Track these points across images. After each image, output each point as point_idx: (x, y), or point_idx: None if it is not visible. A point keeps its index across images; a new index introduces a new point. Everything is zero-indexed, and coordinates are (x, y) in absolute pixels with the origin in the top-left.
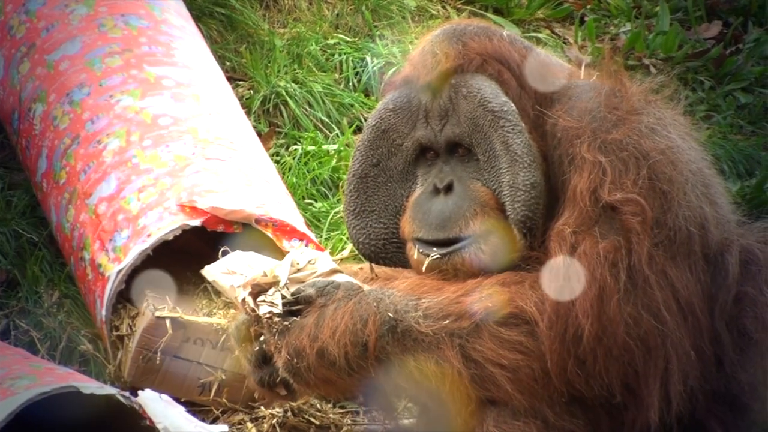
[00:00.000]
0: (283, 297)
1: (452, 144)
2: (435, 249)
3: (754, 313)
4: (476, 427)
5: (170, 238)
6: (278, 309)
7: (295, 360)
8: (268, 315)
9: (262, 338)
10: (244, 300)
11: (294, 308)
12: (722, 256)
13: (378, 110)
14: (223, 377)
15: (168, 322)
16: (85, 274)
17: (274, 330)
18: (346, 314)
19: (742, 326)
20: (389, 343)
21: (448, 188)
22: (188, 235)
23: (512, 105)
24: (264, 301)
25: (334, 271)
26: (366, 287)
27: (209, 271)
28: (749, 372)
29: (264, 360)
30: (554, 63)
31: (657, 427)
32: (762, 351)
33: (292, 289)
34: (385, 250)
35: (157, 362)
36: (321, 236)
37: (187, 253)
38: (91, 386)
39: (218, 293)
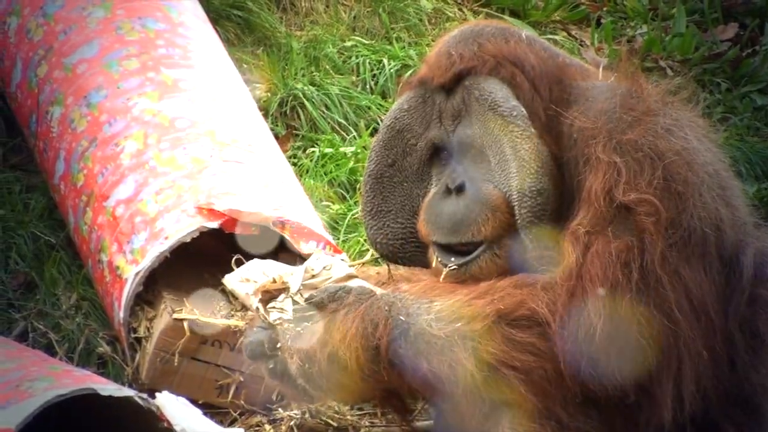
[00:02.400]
0: (296, 303)
1: (465, 145)
2: (453, 259)
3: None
4: (492, 429)
5: (188, 240)
6: (288, 315)
7: (306, 365)
8: (278, 321)
9: (278, 345)
10: (258, 308)
11: (306, 314)
12: (737, 258)
13: (393, 110)
14: (241, 379)
15: (186, 324)
16: (102, 276)
17: (287, 336)
18: (357, 318)
19: (755, 328)
20: (402, 346)
21: (460, 189)
22: (206, 237)
23: (522, 110)
24: (274, 307)
25: (350, 277)
26: (379, 291)
27: (228, 280)
28: (762, 373)
29: (285, 369)
30: (574, 64)
31: (670, 427)
32: None
33: (306, 295)
34: (403, 250)
35: (175, 364)
36: (339, 238)
37: (204, 255)
38: (109, 388)
39: (236, 297)
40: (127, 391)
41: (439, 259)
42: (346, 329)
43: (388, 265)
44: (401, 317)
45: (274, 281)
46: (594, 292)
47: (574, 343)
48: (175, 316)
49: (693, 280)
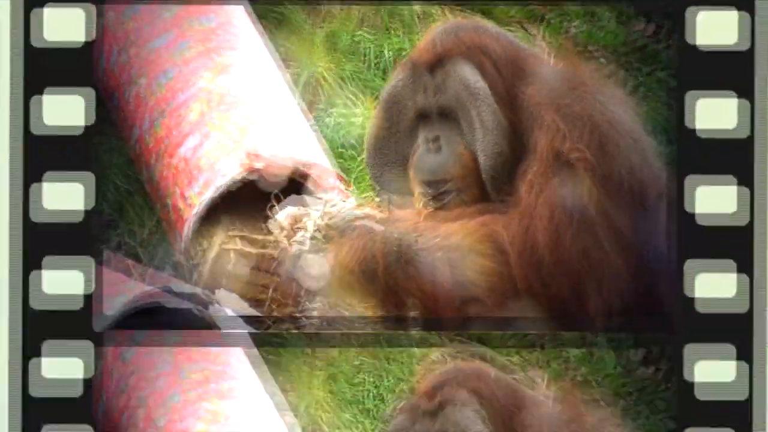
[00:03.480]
0: (314, 238)
1: (443, 114)
2: (431, 202)
3: None
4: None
5: (234, 188)
6: (305, 247)
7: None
8: (298, 252)
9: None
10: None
11: (321, 246)
12: (656, 206)
13: (389, 85)
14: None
15: (232, 253)
16: (168, 217)
17: (304, 265)
18: (358, 250)
19: None
20: (395, 271)
21: (436, 139)
22: (252, 191)
23: (487, 88)
24: (295, 240)
25: (360, 217)
26: (378, 228)
27: (269, 222)
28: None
29: None
30: (531, 53)
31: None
32: None
33: (321, 223)
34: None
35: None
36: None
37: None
38: (185, 287)
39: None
40: (196, 288)
41: (419, 191)
42: (349, 260)
43: (389, 202)
44: (394, 248)
45: (294, 218)
46: (544, 229)
47: (529, 268)
48: (223, 246)
49: (621, 221)
